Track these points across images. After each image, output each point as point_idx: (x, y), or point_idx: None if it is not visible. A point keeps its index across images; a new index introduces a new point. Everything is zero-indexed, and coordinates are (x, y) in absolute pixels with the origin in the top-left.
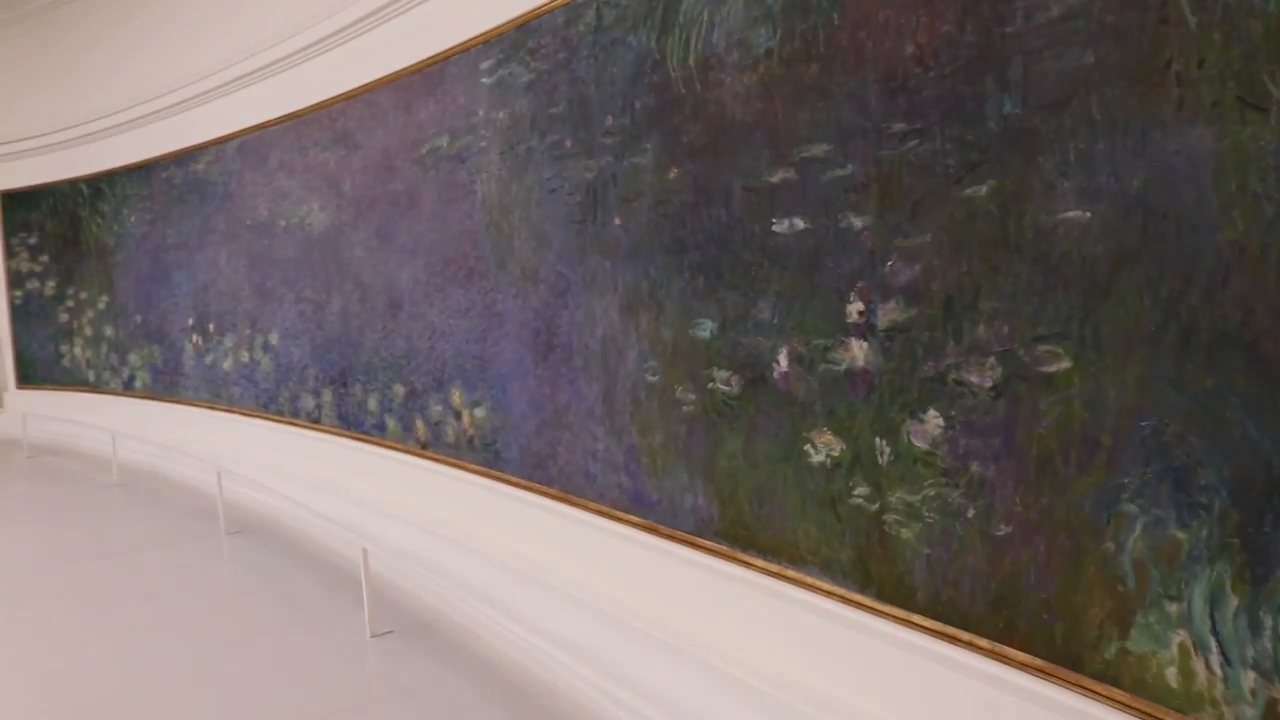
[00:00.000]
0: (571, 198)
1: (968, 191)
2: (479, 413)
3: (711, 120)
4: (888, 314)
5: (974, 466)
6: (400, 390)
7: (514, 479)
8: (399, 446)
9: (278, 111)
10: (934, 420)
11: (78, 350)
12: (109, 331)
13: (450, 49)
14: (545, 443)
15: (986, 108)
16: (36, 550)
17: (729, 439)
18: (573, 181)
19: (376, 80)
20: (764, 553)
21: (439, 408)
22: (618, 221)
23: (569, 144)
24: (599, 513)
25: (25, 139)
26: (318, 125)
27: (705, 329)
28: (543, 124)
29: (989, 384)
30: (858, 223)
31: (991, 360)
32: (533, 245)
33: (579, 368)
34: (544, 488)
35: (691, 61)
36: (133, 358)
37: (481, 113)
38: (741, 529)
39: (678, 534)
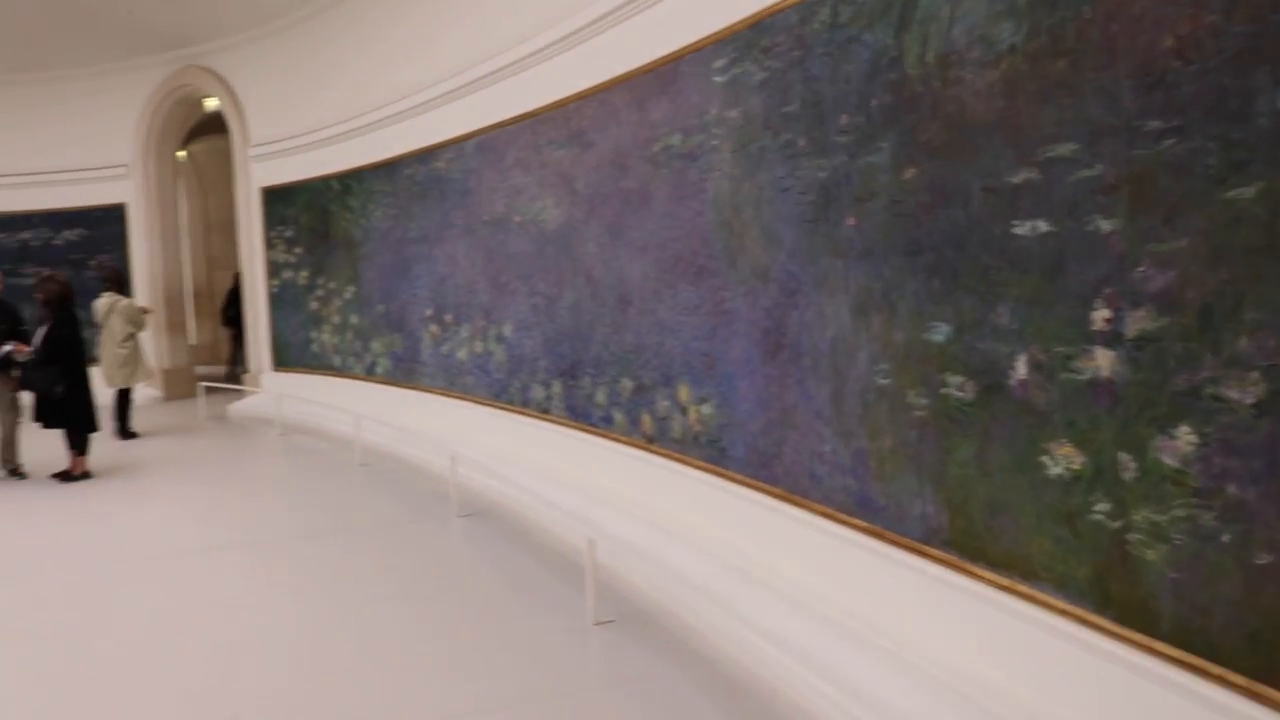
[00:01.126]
0: (804, 197)
1: (1232, 194)
2: (705, 409)
3: (950, 118)
4: (1137, 322)
5: (1230, 488)
6: (628, 384)
7: (738, 476)
8: (625, 439)
9: (514, 111)
10: (1186, 437)
11: (326, 336)
12: (354, 320)
13: (683, 48)
14: (771, 442)
15: (1257, 104)
16: (289, 522)
17: (961, 446)
18: (805, 181)
19: (610, 80)
20: (994, 565)
21: (666, 403)
22: (851, 222)
23: (802, 143)
24: (823, 514)
25: (285, 139)
26: (553, 124)
27: (939, 332)
28: (775, 123)
29: (1250, 400)
30: (1106, 226)
31: (1255, 375)
32: (763, 244)
33: (808, 368)
34: (768, 487)
35: (930, 58)
36: (375, 345)
37: (714, 111)
38: (971, 539)
39: (903, 540)
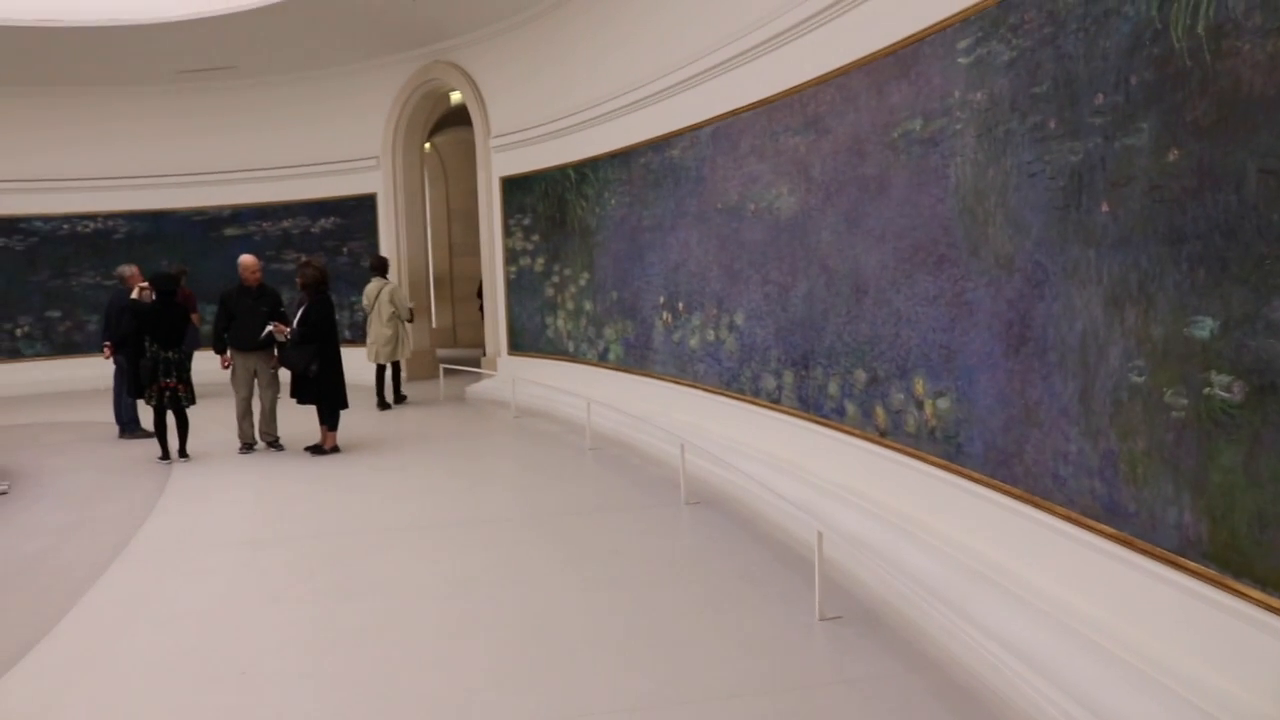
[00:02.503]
0: (1054, 182)
1: None
2: (942, 403)
3: (1223, 95)
4: None
5: None
6: (861, 376)
7: (975, 474)
8: (857, 432)
9: (750, 98)
10: None
11: (560, 322)
12: (588, 306)
13: (925, 29)
14: (1012, 440)
15: None
16: (519, 502)
17: (1226, 451)
18: (1055, 165)
19: (848, 64)
20: (1262, 583)
21: (900, 396)
22: (1105, 208)
23: (1052, 125)
24: (1066, 518)
25: (524, 130)
26: (788, 110)
27: (1204, 328)
28: (1024, 104)
29: None
30: None
31: None
32: (1009, 232)
33: (1054, 363)
34: (1007, 486)
35: (1200, 29)
36: (608, 331)
37: (957, 94)
38: (1235, 553)
39: (1155, 550)
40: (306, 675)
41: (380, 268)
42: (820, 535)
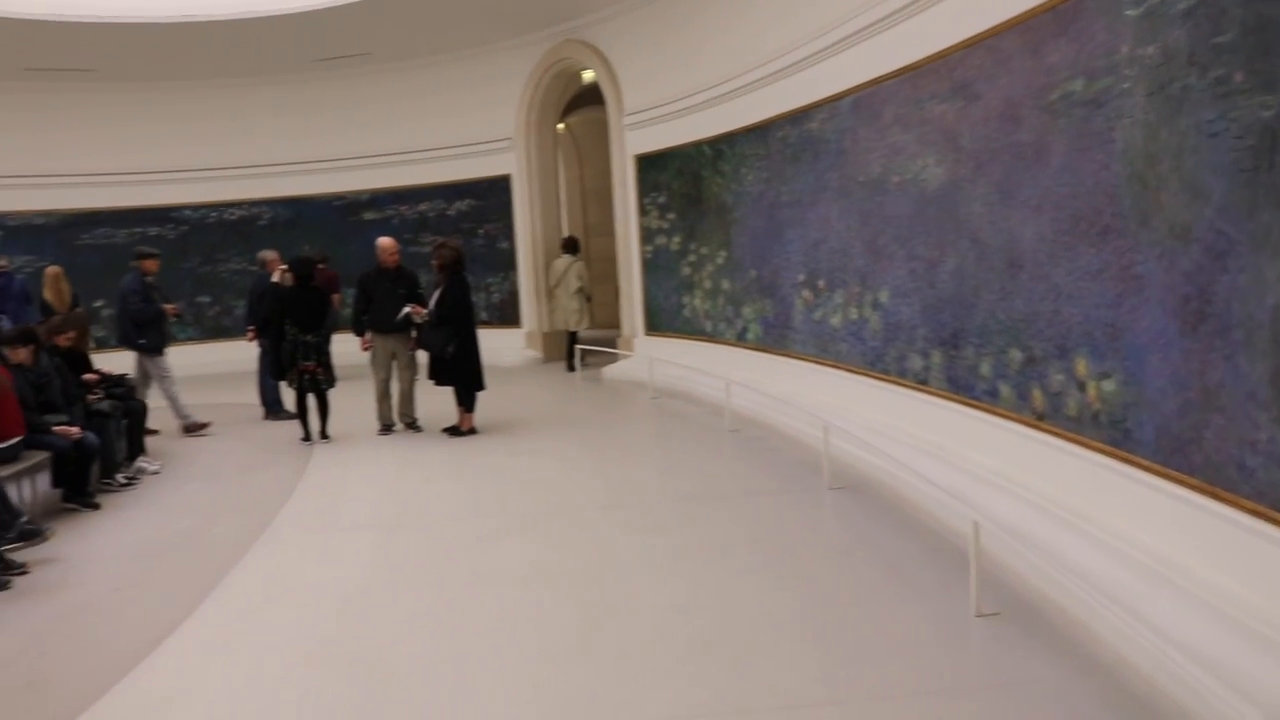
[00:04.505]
0: (1240, 141)
1: None
2: (1107, 385)
3: None
4: None
5: None
6: (1016, 356)
7: (1145, 462)
8: (1011, 415)
9: (892, 65)
10: None
11: (697, 302)
12: (725, 285)
13: None
14: (1189, 425)
15: None
16: (658, 485)
17: None
18: (1242, 123)
19: (1000, 24)
20: None
21: (1060, 377)
22: None
23: (1239, 78)
24: (1253, 512)
25: (657, 106)
26: (934, 76)
27: None
28: (1204, 57)
29: None
30: None
31: None
32: (1185, 199)
33: (1239, 341)
34: (1183, 476)
35: None
36: (746, 310)
37: (1125, 50)
38: None
39: None
40: (440, 662)
41: (570, 246)
42: (976, 526)
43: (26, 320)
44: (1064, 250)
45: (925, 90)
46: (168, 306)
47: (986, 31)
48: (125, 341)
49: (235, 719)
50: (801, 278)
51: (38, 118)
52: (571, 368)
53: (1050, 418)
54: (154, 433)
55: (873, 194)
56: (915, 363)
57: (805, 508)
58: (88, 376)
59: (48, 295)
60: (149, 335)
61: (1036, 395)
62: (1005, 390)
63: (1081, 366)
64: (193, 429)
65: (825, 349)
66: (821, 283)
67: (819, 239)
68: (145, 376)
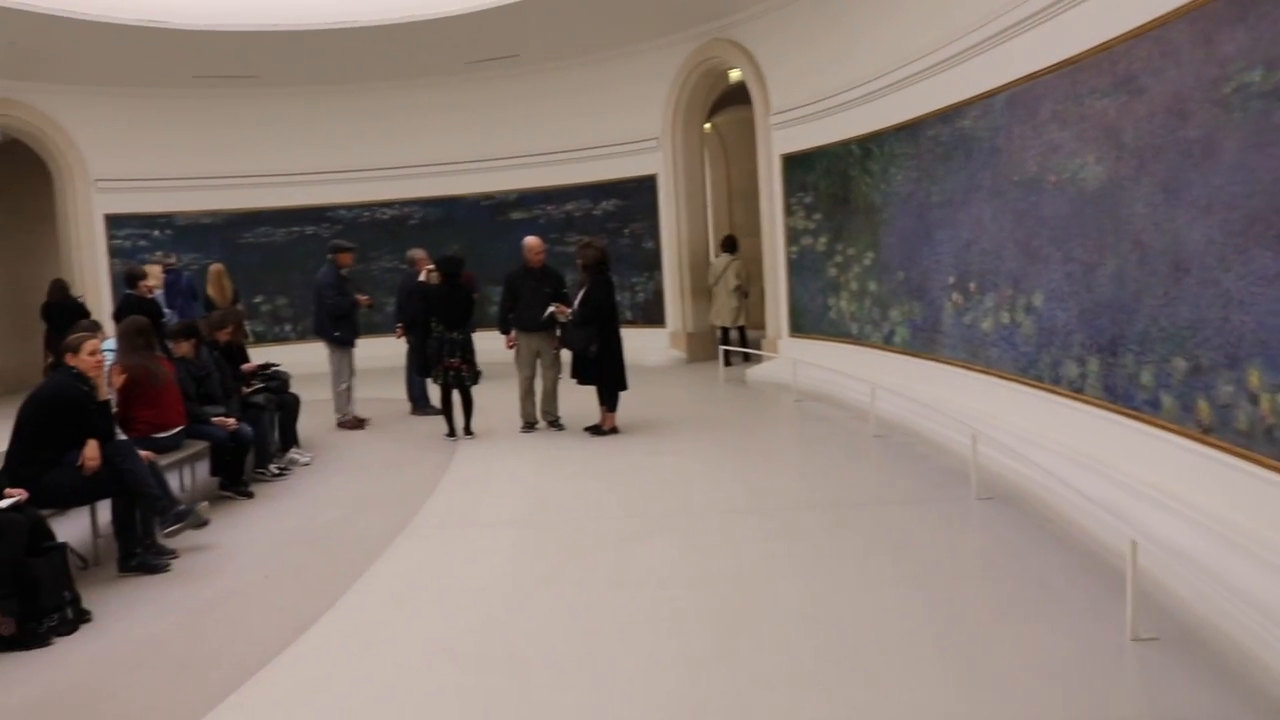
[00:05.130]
0: None
1: None
2: None
3: None
4: None
5: None
6: (1181, 364)
7: None
8: (1174, 427)
9: (1050, 60)
10: None
11: (843, 303)
12: (872, 287)
13: None
14: None
15: None
16: (800, 490)
17: None
18: None
19: (1167, 13)
20: None
21: (1229, 388)
22: None
23: None
24: None
25: (804, 105)
26: (1095, 70)
27: None
28: None
29: None
30: None
31: None
32: None
33: None
34: None
35: None
36: (893, 313)
37: None
38: None
39: None
40: (574, 664)
41: (729, 245)
42: (1134, 545)
43: (193, 315)
44: (1236, 253)
45: (1085, 85)
46: (360, 298)
47: (1153, 21)
48: (320, 333)
49: (373, 709)
50: (951, 280)
51: (205, 123)
52: (729, 362)
53: (1217, 431)
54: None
55: (1027, 194)
56: (1070, 370)
57: (951, 518)
58: (246, 367)
59: (211, 291)
60: (342, 328)
61: (1202, 407)
62: (1168, 401)
63: (1255, 378)
64: (348, 425)
65: (975, 354)
66: (972, 285)
67: (970, 240)
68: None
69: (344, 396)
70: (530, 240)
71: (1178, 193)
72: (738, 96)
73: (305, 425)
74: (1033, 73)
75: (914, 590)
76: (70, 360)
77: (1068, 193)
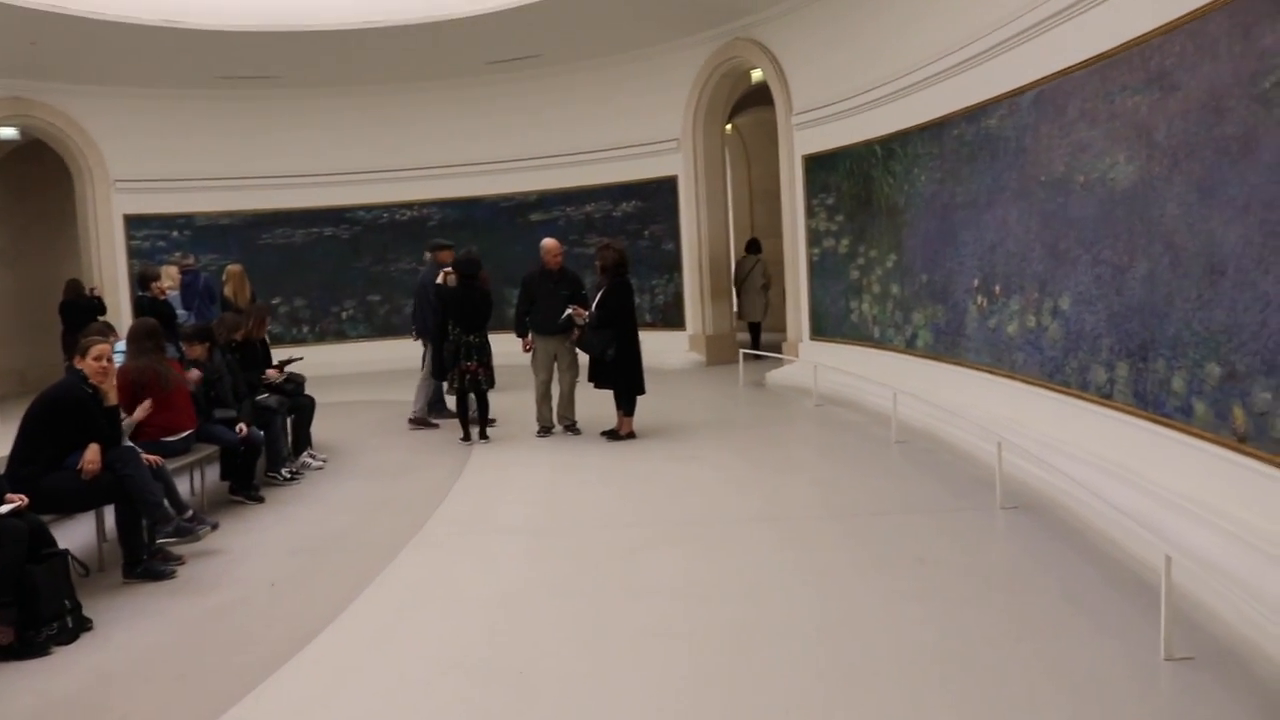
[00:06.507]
0: None
1: None
2: None
3: None
4: None
5: None
6: (1215, 370)
7: None
8: (1208, 435)
9: (1079, 56)
10: None
11: (865, 306)
12: (895, 289)
13: None
14: None
15: None
16: (818, 498)
17: None
18: None
19: (1204, 6)
20: None
21: (1266, 395)
22: None
23: None
24: None
25: (826, 105)
26: (1126, 66)
27: None
28: None
29: None
30: None
31: None
32: None
33: None
34: None
35: None
36: (916, 316)
37: None
38: None
39: None
40: (585, 678)
41: (754, 246)
42: (1168, 560)
43: (210, 317)
44: (1275, 254)
45: (1116, 82)
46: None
47: (1188, 15)
48: (423, 331)
49: None
50: (976, 283)
51: (225, 123)
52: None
53: (1254, 440)
54: (492, 422)
55: (1055, 194)
56: (1098, 375)
57: (975, 528)
58: (270, 371)
59: (229, 292)
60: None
61: (1238, 414)
62: (1200, 408)
63: None
64: (419, 424)
65: (999, 358)
66: (997, 288)
67: (995, 242)
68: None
69: (423, 395)
70: (548, 242)
71: (1213, 192)
72: (759, 97)
73: (322, 427)
74: (1061, 70)
75: (935, 604)
76: (78, 363)
77: (1097, 193)
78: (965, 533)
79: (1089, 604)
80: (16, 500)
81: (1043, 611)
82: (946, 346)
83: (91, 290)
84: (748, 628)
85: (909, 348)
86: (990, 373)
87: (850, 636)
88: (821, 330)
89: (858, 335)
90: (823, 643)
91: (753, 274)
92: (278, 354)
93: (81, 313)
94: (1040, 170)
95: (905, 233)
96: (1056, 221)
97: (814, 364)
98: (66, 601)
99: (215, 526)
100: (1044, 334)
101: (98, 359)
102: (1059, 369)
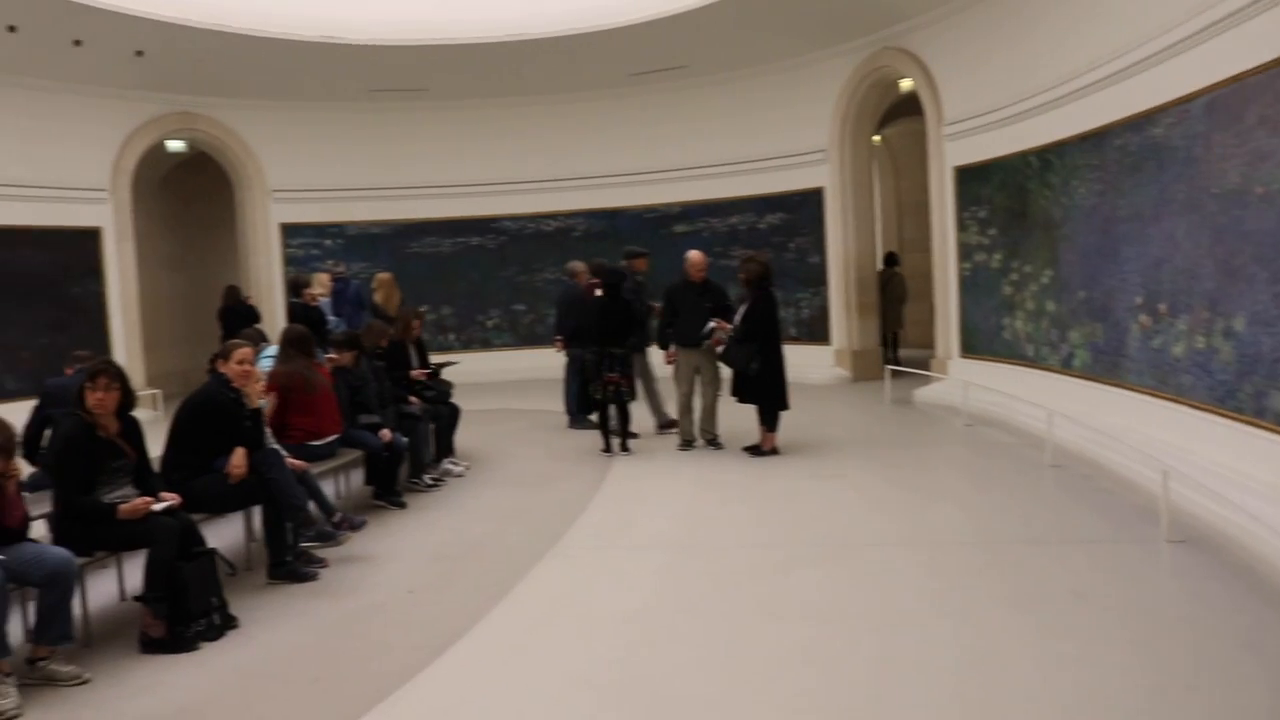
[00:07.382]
0: None
1: None
2: None
3: None
4: None
5: None
6: None
7: None
8: None
9: (1258, 59)
10: None
11: (1018, 323)
12: (1050, 306)
13: None
14: None
15: None
16: (965, 524)
17: None
18: None
19: None
20: None
21: None
22: None
23: None
24: None
25: (978, 115)
26: None
27: None
28: None
29: None
30: None
31: None
32: None
33: None
34: None
35: None
36: (1073, 335)
37: None
38: None
39: None
40: (717, 703)
41: (890, 259)
42: None
43: (359, 323)
44: None
45: None
46: (652, 304)
47: None
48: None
49: None
50: (1139, 300)
51: (376, 135)
52: (891, 360)
53: None
54: (634, 435)
55: (1230, 207)
56: (1276, 401)
57: (1138, 561)
58: (416, 373)
59: (378, 299)
60: (636, 332)
61: None
62: None
63: None
64: (667, 427)
65: (1164, 381)
66: (1162, 307)
67: (1161, 258)
68: (643, 374)
69: (655, 399)
70: (693, 255)
71: None
72: (908, 107)
73: (465, 435)
74: (1238, 74)
75: (1097, 643)
76: (221, 367)
77: (1277, 206)
78: (1127, 567)
79: (1272, 652)
80: (170, 499)
81: (1217, 659)
82: (1106, 367)
83: (246, 298)
84: (885, 660)
85: (1065, 367)
86: (1154, 396)
87: (995, 676)
88: (972, 347)
89: (1010, 353)
90: (965, 681)
91: (891, 286)
92: (435, 359)
93: (239, 318)
94: (1212, 181)
95: (1062, 247)
96: (1230, 236)
97: (964, 382)
98: (214, 599)
99: (363, 524)
100: (1215, 356)
101: (240, 363)
102: (1231, 394)
